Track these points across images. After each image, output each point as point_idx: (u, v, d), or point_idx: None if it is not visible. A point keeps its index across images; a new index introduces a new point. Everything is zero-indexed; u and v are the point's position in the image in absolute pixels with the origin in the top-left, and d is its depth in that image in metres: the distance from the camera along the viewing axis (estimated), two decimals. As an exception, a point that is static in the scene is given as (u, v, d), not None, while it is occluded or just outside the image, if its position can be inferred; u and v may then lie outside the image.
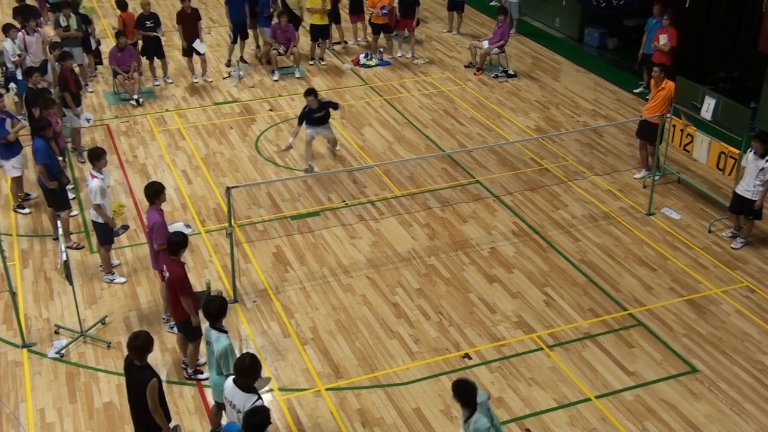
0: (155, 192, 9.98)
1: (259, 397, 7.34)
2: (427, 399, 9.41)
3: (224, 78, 18.01)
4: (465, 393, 7.38)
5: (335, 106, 14.55)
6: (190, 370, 9.59)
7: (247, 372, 7.31)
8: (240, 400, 7.29)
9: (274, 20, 17.99)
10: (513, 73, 18.41)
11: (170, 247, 9.12)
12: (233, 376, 7.44)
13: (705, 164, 13.44)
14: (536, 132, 15.68)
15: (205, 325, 8.33)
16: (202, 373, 9.64)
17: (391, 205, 13.24)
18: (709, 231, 12.62)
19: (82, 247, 12.01)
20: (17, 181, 12.86)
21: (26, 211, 12.79)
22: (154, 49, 17.31)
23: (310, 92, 14.11)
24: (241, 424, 6.95)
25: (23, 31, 15.30)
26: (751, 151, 11.75)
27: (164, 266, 9.22)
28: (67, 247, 10.34)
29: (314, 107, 14.12)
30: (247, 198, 13.26)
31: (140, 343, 7.50)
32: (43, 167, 11.46)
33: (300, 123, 14.18)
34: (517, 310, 10.89)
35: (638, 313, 10.87)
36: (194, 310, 9.20)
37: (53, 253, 11.88)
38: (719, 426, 9.12)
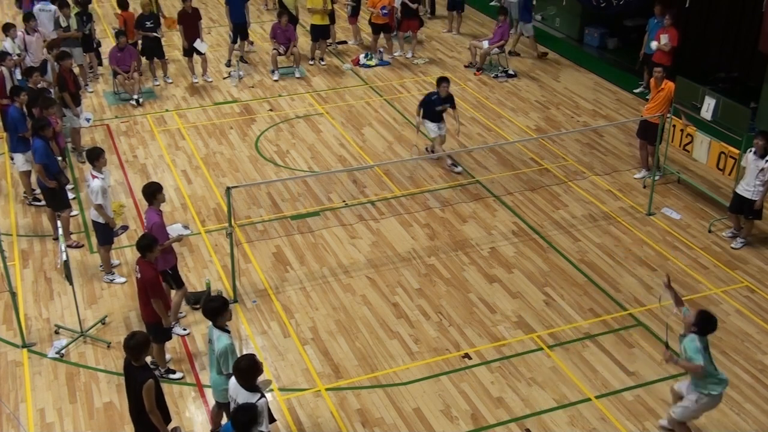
0: (153, 192, 9.99)
1: (262, 396, 7.34)
2: (427, 399, 9.41)
3: (224, 78, 18.01)
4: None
5: (453, 105, 14.23)
6: (162, 370, 9.54)
7: (245, 373, 7.32)
8: (243, 399, 7.29)
9: (274, 20, 18.01)
10: (513, 73, 18.41)
11: (138, 249, 9.12)
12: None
13: (705, 164, 13.43)
14: (536, 132, 15.67)
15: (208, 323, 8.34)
16: (174, 372, 9.65)
17: (391, 205, 13.23)
18: (709, 231, 12.61)
19: (82, 245, 12.01)
20: (27, 176, 12.96)
21: (42, 203, 12.78)
22: (154, 49, 17.31)
23: (446, 79, 13.87)
24: (230, 418, 6.96)
25: (23, 30, 15.29)
26: (751, 150, 11.75)
27: (137, 267, 9.16)
28: (68, 246, 10.34)
29: (444, 96, 13.83)
30: (247, 198, 13.25)
31: (134, 344, 7.50)
32: (42, 167, 11.46)
33: (419, 112, 14.09)
34: (517, 310, 10.88)
35: (638, 313, 10.86)
36: (165, 311, 9.21)
37: (53, 253, 11.88)
38: (719, 426, 9.12)
